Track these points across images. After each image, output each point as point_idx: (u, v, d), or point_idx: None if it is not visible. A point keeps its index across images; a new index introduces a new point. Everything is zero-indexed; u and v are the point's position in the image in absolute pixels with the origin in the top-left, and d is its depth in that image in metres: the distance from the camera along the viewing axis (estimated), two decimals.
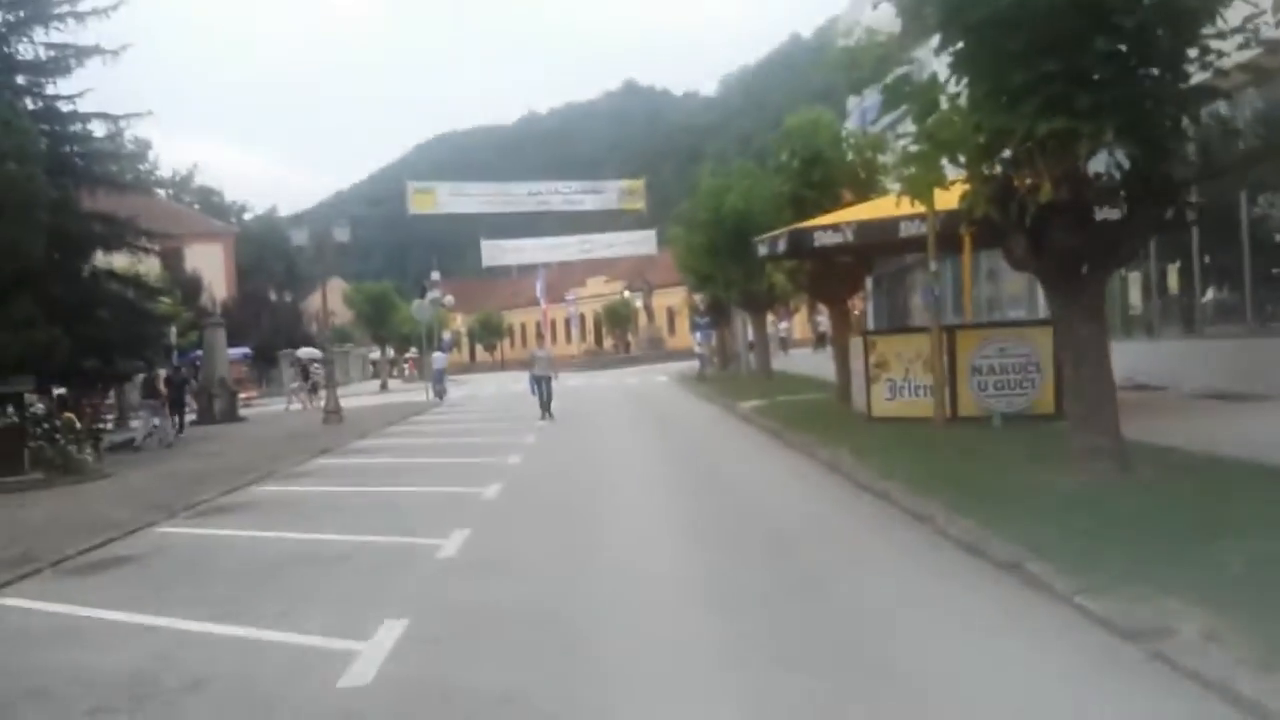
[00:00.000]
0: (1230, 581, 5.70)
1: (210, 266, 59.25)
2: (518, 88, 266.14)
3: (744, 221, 26.56)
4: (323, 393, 36.42)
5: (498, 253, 51.75)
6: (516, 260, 57.49)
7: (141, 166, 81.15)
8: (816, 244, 14.77)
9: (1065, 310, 9.67)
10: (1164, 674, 4.77)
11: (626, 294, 76.44)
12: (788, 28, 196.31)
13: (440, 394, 38.77)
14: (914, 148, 10.87)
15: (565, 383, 23.99)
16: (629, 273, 78.82)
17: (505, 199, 45.61)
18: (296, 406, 37.50)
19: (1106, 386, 9.34)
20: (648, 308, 72.34)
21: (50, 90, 24.46)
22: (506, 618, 6.65)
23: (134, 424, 33.71)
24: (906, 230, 14.20)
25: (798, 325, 57.03)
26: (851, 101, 37.66)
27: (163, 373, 35.41)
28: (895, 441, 13.11)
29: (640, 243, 51.68)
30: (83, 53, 23.52)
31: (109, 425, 32.78)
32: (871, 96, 33.23)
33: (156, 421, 25.95)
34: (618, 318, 76.34)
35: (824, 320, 53.38)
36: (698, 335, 43.09)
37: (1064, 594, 6.08)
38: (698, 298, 37.44)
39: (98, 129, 25.18)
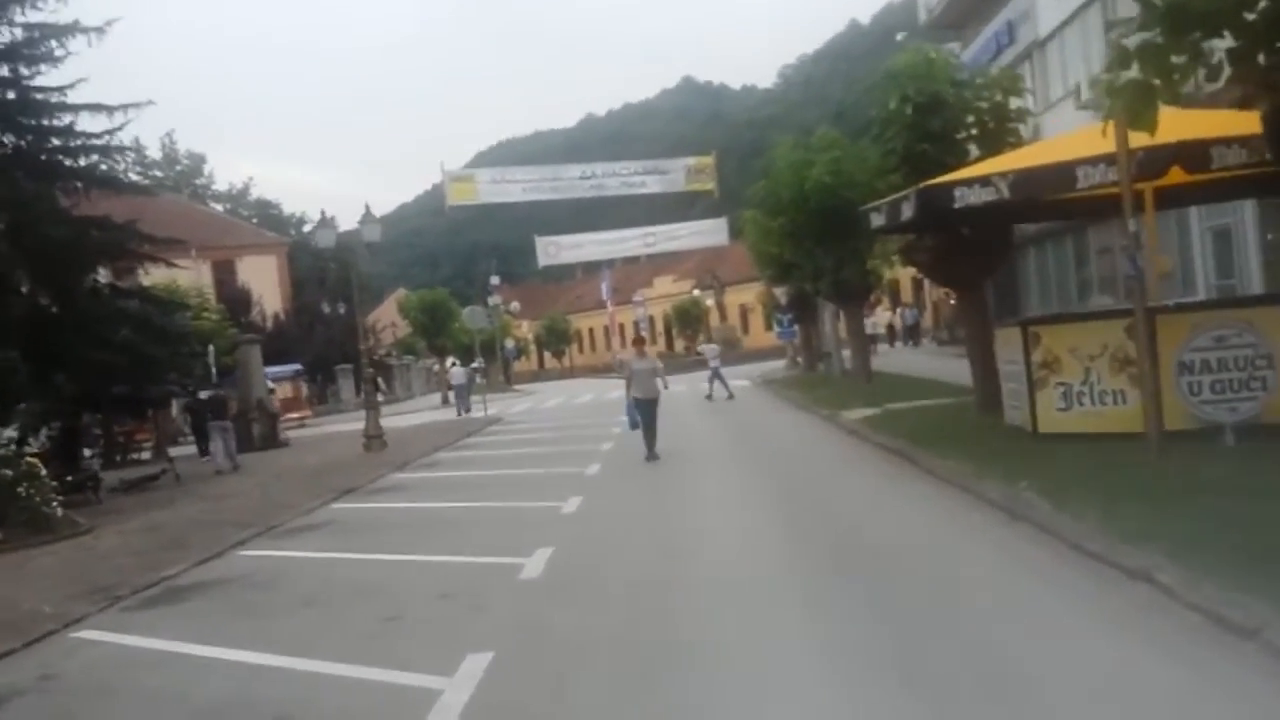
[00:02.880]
0: None
1: (264, 279, 57.08)
2: (575, 90, 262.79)
3: (832, 198, 22.90)
4: None
5: (554, 250, 47.79)
6: (574, 258, 53.46)
7: (197, 180, 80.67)
8: (959, 204, 10.98)
9: None
10: None
11: (696, 293, 72.74)
12: (845, 15, 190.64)
13: (463, 411, 36.61)
14: (1133, 40, 7.31)
15: None
16: (698, 270, 75.17)
17: (554, 184, 41.21)
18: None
19: None
20: (720, 306, 68.47)
21: (39, 82, 21.54)
22: None
23: (174, 452, 31.23)
24: (1088, 178, 10.39)
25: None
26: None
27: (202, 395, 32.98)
28: (1098, 471, 9.39)
29: (710, 233, 47.26)
30: (60, 32, 20.49)
31: (144, 455, 30.24)
32: (973, 47, 29.26)
33: (226, 444, 23.97)
34: (688, 318, 72.60)
35: (910, 313, 49.24)
36: (777, 332, 39.35)
37: None
38: (778, 291, 33.62)
39: (91, 123, 22.03)
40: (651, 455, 15.79)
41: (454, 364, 43.15)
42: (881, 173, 16.03)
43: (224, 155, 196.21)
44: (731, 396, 27.48)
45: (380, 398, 49.38)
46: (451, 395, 41.49)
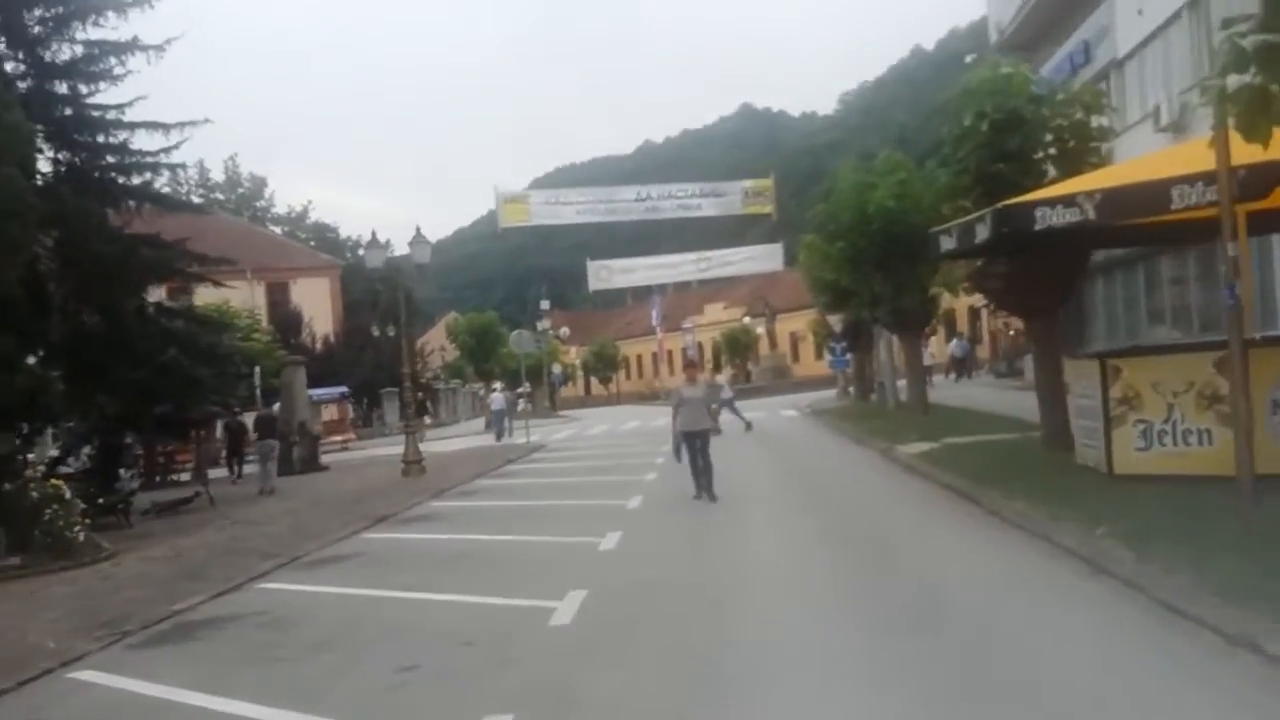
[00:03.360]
0: None
1: (316, 301, 57.14)
2: (634, 117, 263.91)
3: (895, 223, 22.08)
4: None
5: (605, 274, 46.89)
6: (626, 282, 52.40)
7: (258, 203, 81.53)
8: (1040, 225, 10.12)
9: None
10: None
11: (747, 320, 71.82)
12: (908, 42, 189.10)
13: (501, 435, 36.92)
14: (1251, 40, 6.60)
15: None
16: (749, 297, 74.30)
17: (609, 207, 40.30)
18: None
19: None
20: (770, 334, 67.43)
21: (98, 99, 21.43)
22: None
23: (214, 474, 30.99)
24: (1183, 198, 9.50)
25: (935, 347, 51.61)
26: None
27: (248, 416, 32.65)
28: (1184, 518, 8.58)
29: (765, 258, 45.96)
30: (119, 49, 20.30)
31: (184, 476, 29.91)
32: (1046, 68, 28.31)
33: (268, 466, 23.77)
34: (738, 346, 71.64)
35: (960, 345, 47.60)
36: (829, 361, 38.37)
37: None
38: (833, 319, 32.75)
39: (147, 142, 21.83)
40: (701, 494, 14.02)
41: (495, 389, 42.69)
42: (951, 195, 15.20)
43: (285, 179, 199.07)
44: (718, 432, 26.28)
45: (427, 420, 49.17)
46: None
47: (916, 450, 17.24)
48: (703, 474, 14.14)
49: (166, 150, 22.30)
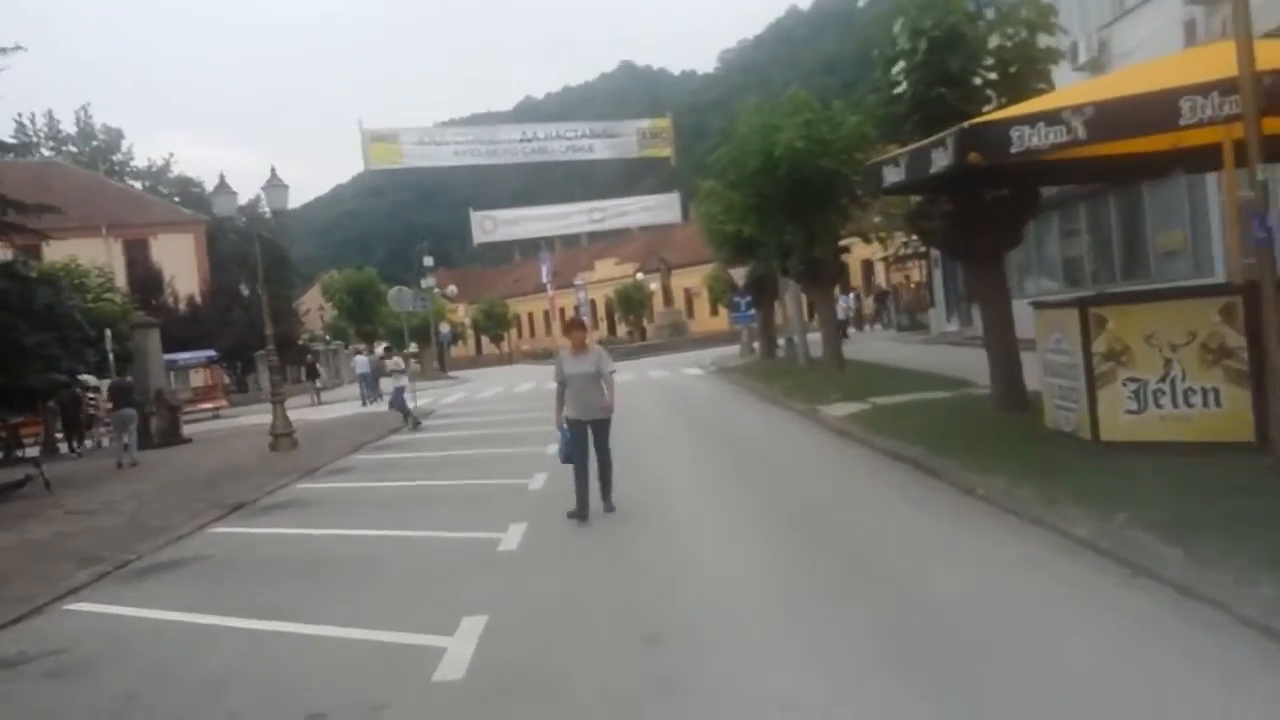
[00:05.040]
0: None
1: (180, 260, 53.49)
2: (513, 75, 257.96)
3: (804, 167, 20.37)
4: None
5: (490, 226, 43.70)
6: (512, 235, 48.86)
7: (114, 156, 76.30)
8: (1017, 147, 8.36)
9: None
10: None
11: (640, 276, 69.96)
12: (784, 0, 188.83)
13: (368, 402, 34.96)
14: None
15: None
16: (641, 252, 72.57)
17: (490, 148, 37.04)
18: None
19: None
20: (665, 289, 65.68)
21: None
22: None
23: (65, 449, 28.24)
24: (1195, 112, 7.83)
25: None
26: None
27: (97, 383, 29.85)
28: (1215, 496, 7.11)
29: (662, 208, 43.49)
30: None
31: (26, 453, 26.86)
32: None
33: (125, 439, 21.69)
34: (631, 302, 69.77)
35: (844, 299, 46.09)
36: (733, 317, 36.74)
37: None
38: (736, 273, 30.98)
39: None
40: (606, 504, 10.23)
41: (359, 351, 40.17)
42: (885, 126, 13.50)
43: (146, 133, 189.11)
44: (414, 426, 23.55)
45: (319, 383, 46.11)
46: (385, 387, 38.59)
47: (844, 412, 15.67)
48: (601, 475, 10.33)
49: None
